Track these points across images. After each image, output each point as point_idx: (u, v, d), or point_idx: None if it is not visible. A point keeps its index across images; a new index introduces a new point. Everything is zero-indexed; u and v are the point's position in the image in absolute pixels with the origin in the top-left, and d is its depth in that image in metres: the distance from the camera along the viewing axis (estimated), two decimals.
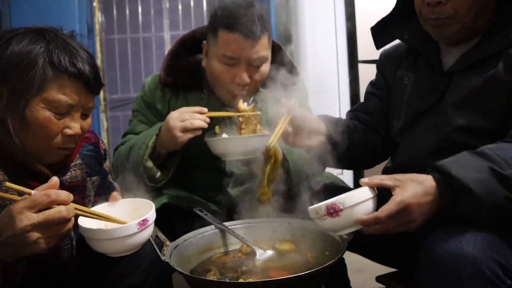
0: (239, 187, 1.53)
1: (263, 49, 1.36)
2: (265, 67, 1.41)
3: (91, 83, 0.97)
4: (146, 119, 1.53)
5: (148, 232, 0.97)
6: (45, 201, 0.80)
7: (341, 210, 0.92)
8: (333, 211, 0.93)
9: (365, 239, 1.14)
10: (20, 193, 0.84)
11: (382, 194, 0.97)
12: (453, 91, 1.14)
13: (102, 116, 3.58)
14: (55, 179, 0.85)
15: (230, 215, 1.45)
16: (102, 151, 1.21)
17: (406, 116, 1.24)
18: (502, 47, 1.08)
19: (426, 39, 1.22)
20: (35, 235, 0.79)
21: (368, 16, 2.86)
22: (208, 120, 1.33)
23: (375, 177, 0.96)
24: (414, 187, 0.91)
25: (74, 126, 0.97)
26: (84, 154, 1.13)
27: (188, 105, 1.45)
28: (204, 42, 1.44)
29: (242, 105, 1.38)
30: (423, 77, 1.24)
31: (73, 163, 1.09)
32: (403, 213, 0.90)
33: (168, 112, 1.39)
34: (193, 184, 1.55)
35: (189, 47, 1.50)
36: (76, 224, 1.00)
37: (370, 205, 0.94)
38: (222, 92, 1.46)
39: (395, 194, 0.91)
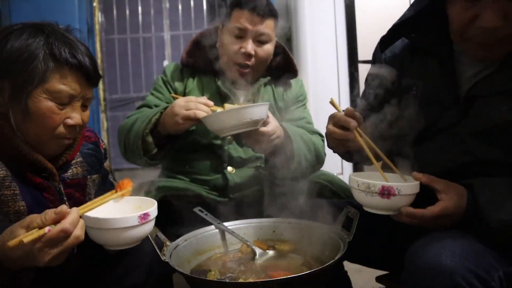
0: (238, 171, 1.59)
1: (268, 28, 1.54)
2: (269, 47, 1.58)
3: (91, 74, 0.99)
4: (162, 95, 1.64)
5: (149, 227, 0.96)
6: (62, 237, 0.81)
7: (394, 195, 0.97)
8: (387, 193, 0.97)
9: (360, 249, 1.17)
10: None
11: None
12: (474, 118, 1.02)
13: (102, 116, 3.58)
14: (64, 210, 0.83)
15: (227, 197, 1.56)
16: (103, 150, 1.21)
17: (417, 130, 1.13)
18: None
19: (438, 40, 1.08)
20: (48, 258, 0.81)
21: (368, 16, 2.87)
22: (210, 112, 1.35)
23: (428, 176, 0.98)
24: (458, 199, 0.95)
25: (75, 116, 0.99)
26: (84, 152, 1.14)
27: (202, 86, 1.63)
28: (220, 27, 1.61)
29: None
30: (436, 90, 1.09)
31: (74, 161, 1.10)
32: (443, 217, 0.96)
33: (185, 90, 1.62)
34: (192, 167, 1.61)
35: (208, 40, 1.65)
36: None
37: (413, 198, 1.00)
38: (230, 66, 1.57)
39: (442, 199, 0.95)
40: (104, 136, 3.62)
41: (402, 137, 1.12)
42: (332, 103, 1.14)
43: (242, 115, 1.28)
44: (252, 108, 1.29)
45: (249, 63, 1.54)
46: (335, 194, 1.54)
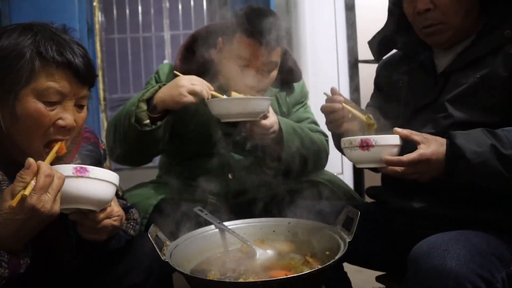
0: (238, 177, 1.57)
1: (275, 57, 1.46)
2: (274, 73, 1.51)
3: (80, 71, 0.95)
4: None
5: (91, 188, 0.91)
6: (49, 182, 0.84)
7: (372, 146, 1.07)
8: (365, 145, 1.07)
9: (360, 251, 1.23)
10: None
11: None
12: (450, 88, 1.17)
13: (102, 116, 3.57)
14: (32, 161, 0.85)
15: (229, 202, 1.54)
16: (102, 151, 1.20)
17: (403, 114, 1.27)
18: (497, 45, 1.11)
19: (419, 45, 1.28)
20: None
21: (369, 16, 2.86)
22: (210, 96, 1.40)
23: (408, 130, 1.08)
24: (436, 146, 1.04)
25: (67, 117, 0.95)
26: (83, 154, 1.13)
27: None
28: (220, 39, 1.50)
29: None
30: (417, 79, 1.28)
31: (72, 163, 1.09)
32: (421, 164, 1.03)
33: None
34: (193, 172, 1.58)
35: (201, 42, 1.57)
36: (76, 224, 1.00)
37: (395, 150, 1.08)
38: (229, 86, 1.50)
39: (420, 148, 1.04)
40: (104, 136, 3.61)
41: (393, 118, 1.29)
42: (325, 94, 1.33)
43: (246, 105, 1.36)
44: (256, 100, 1.37)
45: (251, 92, 1.46)
46: (334, 194, 1.54)
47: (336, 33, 2.95)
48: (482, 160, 0.99)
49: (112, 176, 0.96)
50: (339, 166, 2.90)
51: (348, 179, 2.86)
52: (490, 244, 0.97)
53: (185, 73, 1.54)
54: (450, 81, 1.18)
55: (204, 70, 1.52)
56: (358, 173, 2.99)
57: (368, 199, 1.47)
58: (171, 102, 1.40)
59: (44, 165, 0.85)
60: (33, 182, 0.83)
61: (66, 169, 0.89)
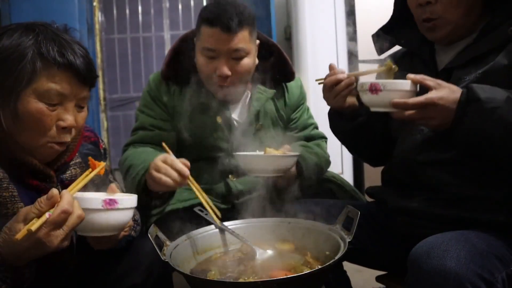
0: (239, 178, 1.57)
1: (242, 42, 1.40)
2: (247, 61, 1.45)
3: (81, 73, 0.95)
4: (153, 112, 1.56)
5: (117, 216, 0.93)
6: (64, 218, 0.82)
7: (380, 90, 1.08)
8: (374, 89, 1.08)
9: (360, 250, 1.24)
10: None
11: None
12: (452, 83, 1.15)
13: (102, 116, 3.58)
14: (55, 193, 0.83)
15: (230, 204, 1.53)
16: (102, 150, 1.20)
17: None
18: (500, 42, 1.11)
19: (421, 42, 1.28)
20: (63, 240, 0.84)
21: (368, 15, 2.86)
22: (188, 167, 1.30)
23: (421, 75, 1.06)
24: (446, 92, 1.02)
25: (68, 118, 0.96)
26: (83, 153, 1.13)
27: (191, 98, 1.52)
28: (195, 39, 1.50)
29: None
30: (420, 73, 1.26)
31: (73, 162, 1.09)
32: (428, 108, 1.02)
33: (174, 104, 1.54)
34: (194, 174, 1.56)
35: (190, 45, 1.55)
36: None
37: (406, 96, 1.06)
38: (208, 84, 1.49)
39: (430, 92, 1.03)
40: (104, 136, 3.61)
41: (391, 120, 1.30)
42: (317, 80, 1.35)
43: (273, 162, 1.35)
44: (289, 158, 1.38)
45: (226, 84, 1.44)
46: (340, 189, 1.55)
47: (336, 33, 2.96)
48: (495, 106, 0.97)
49: (136, 201, 0.97)
50: (339, 166, 2.90)
51: (348, 179, 2.86)
52: (490, 244, 0.97)
53: (171, 78, 1.55)
54: (451, 78, 1.17)
55: (190, 74, 1.50)
56: (358, 173, 2.99)
57: (368, 199, 1.47)
58: (166, 190, 1.38)
59: (66, 199, 0.83)
60: (47, 215, 0.81)
61: (95, 202, 0.89)
